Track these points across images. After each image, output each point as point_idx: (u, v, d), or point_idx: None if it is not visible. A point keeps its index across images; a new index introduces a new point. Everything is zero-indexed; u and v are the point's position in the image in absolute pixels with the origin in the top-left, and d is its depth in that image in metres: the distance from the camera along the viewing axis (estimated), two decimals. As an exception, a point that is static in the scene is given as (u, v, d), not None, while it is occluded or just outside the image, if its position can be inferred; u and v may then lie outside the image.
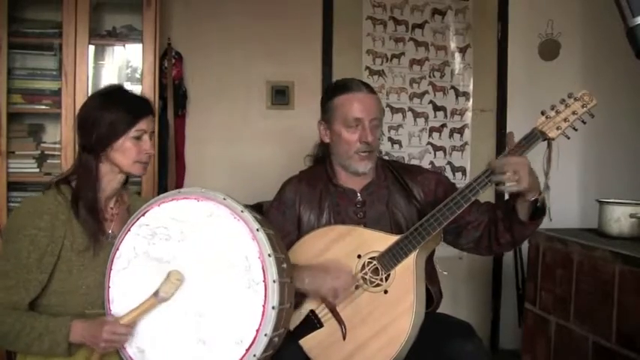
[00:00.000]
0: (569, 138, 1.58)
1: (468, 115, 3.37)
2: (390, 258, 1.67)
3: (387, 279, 1.67)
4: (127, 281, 1.47)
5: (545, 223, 1.71)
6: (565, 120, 1.57)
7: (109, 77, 2.82)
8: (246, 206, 1.46)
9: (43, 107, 2.62)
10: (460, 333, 1.72)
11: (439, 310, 1.86)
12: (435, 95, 3.32)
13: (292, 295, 1.51)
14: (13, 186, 2.55)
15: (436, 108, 3.33)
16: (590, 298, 2.15)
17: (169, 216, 1.47)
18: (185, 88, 3.00)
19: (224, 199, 1.44)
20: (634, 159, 3.20)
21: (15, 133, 2.57)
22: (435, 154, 3.35)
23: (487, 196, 1.73)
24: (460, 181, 3.26)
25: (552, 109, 1.58)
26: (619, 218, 2.27)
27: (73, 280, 1.49)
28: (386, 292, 1.67)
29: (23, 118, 2.70)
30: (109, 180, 1.57)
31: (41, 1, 2.69)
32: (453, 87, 3.34)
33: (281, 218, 1.84)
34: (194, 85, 3.03)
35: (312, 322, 1.72)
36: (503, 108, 3.37)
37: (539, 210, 1.64)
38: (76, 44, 2.52)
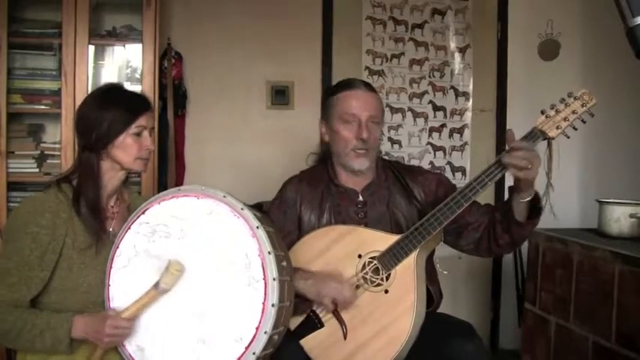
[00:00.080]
0: (569, 137, 1.58)
1: (468, 115, 3.37)
2: (390, 257, 1.67)
3: (387, 278, 1.67)
4: (127, 279, 1.47)
5: (545, 223, 1.71)
6: (565, 119, 1.56)
7: (108, 77, 2.81)
8: (246, 205, 1.46)
9: (43, 107, 2.62)
10: (460, 333, 1.72)
11: (439, 310, 1.86)
12: (434, 95, 3.32)
13: (292, 293, 1.51)
14: (12, 186, 2.55)
15: (436, 108, 3.33)
16: (590, 298, 2.15)
17: (169, 214, 1.47)
18: (185, 88, 3.00)
19: (224, 196, 1.44)
20: (634, 159, 3.20)
21: (15, 133, 2.57)
22: (434, 154, 3.35)
23: (487, 197, 1.73)
24: (460, 182, 3.26)
25: (552, 108, 1.58)
26: (619, 218, 2.27)
27: (73, 277, 1.49)
28: (387, 291, 1.67)
29: (23, 118, 2.70)
30: (110, 177, 1.57)
31: (41, 1, 2.69)
32: (452, 87, 3.34)
33: (282, 217, 1.84)
34: (194, 85, 3.03)
35: (312, 322, 1.72)
36: (503, 108, 3.37)
37: (535, 209, 1.64)
38: (76, 44, 2.52)
